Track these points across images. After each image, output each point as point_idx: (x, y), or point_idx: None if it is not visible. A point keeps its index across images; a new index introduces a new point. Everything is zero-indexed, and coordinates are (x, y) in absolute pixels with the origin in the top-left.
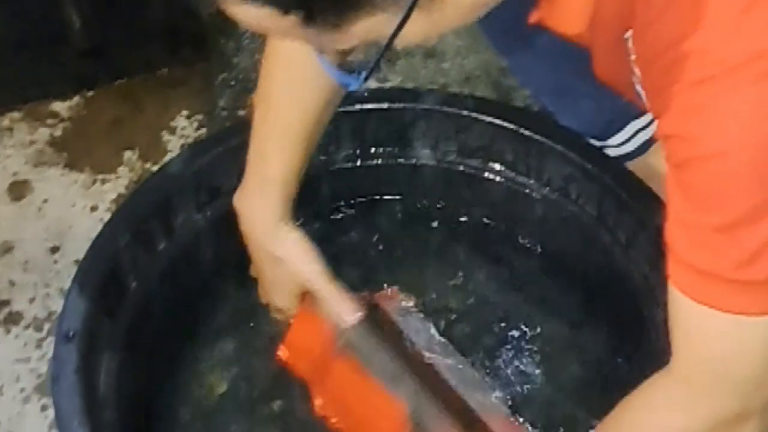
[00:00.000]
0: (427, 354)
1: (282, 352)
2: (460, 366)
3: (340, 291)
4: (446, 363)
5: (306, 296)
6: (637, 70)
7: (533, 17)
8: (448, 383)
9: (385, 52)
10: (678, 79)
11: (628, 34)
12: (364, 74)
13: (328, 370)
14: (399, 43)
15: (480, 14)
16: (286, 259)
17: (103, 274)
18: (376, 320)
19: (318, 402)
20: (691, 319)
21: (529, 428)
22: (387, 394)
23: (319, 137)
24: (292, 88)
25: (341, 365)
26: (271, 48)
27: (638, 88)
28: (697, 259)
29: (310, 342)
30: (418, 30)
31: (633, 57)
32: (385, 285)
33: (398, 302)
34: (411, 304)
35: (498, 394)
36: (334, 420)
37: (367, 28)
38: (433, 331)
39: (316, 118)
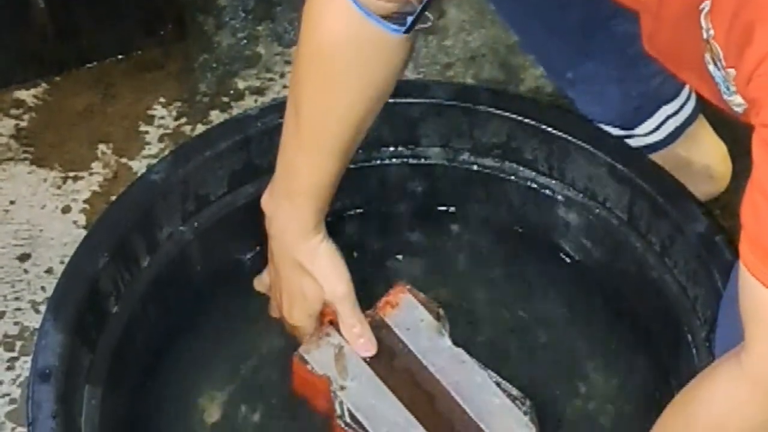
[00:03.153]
0: (438, 376)
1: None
2: (478, 380)
3: (362, 321)
4: (460, 382)
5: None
6: (718, 49)
7: None
8: (463, 412)
9: None
10: None
11: (705, 5)
12: (410, 20)
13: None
14: None
15: None
16: (314, 272)
17: (80, 301)
18: (381, 347)
19: None
20: (764, 308)
21: None
22: None
23: (357, 146)
24: (327, 96)
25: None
26: (303, 47)
27: (712, 68)
28: None
29: (312, 395)
30: None
31: (711, 33)
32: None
33: (407, 303)
34: (421, 297)
35: (528, 411)
36: None
37: None
38: (447, 340)
39: (353, 128)
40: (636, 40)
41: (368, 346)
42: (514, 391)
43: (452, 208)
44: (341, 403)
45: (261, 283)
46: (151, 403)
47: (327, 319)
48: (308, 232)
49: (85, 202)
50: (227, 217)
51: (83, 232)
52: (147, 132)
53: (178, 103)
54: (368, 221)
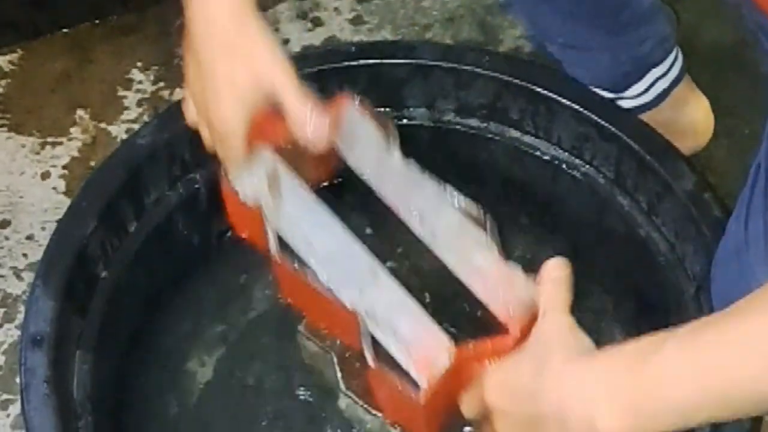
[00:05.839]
0: (388, 198)
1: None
2: (433, 200)
3: (308, 100)
4: (412, 202)
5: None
6: None
7: None
8: (416, 235)
9: None
10: None
11: None
12: None
13: (272, 264)
14: None
15: None
16: (250, 53)
17: (69, 266)
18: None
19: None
20: None
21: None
22: (332, 301)
23: None
24: None
25: (280, 267)
26: None
27: None
28: None
29: (247, 227)
30: None
31: None
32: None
33: (351, 118)
34: (368, 109)
35: (488, 229)
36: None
37: None
38: (397, 157)
39: None
40: (627, 5)
41: (320, 128)
42: (474, 211)
43: (434, 170)
44: (274, 231)
45: (189, 109)
46: (142, 367)
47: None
48: (242, 7)
49: (64, 167)
50: (214, 181)
51: (63, 198)
52: (125, 97)
53: (156, 67)
54: (354, 186)
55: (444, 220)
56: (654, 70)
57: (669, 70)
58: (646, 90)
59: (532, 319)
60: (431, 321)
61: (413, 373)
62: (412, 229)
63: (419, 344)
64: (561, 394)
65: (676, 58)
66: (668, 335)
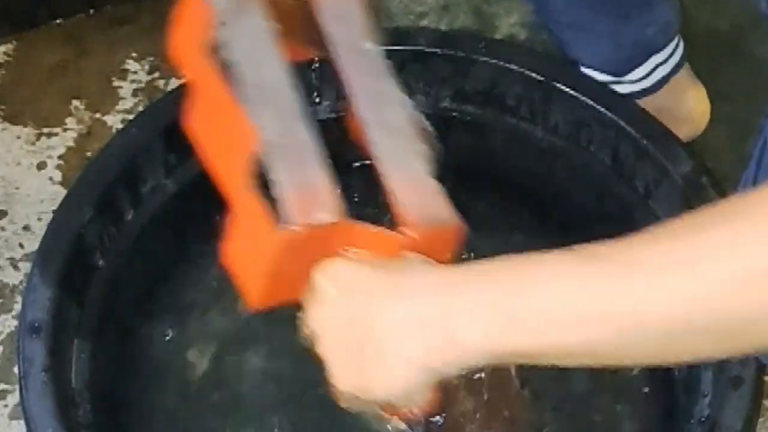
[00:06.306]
0: (346, 73)
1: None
2: (392, 101)
3: None
4: (370, 91)
5: None
6: None
7: None
8: (360, 117)
9: None
10: None
11: None
12: None
13: (201, 74)
14: None
15: None
16: None
17: (66, 256)
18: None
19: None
20: None
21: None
22: (243, 119)
23: None
24: None
25: (209, 69)
26: None
27: None
28: None
29: (192, 33)
30: None
31: None
32: None
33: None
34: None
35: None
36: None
37: None
38: (373, 47)
39: None
40: None
41: None
42: (424, 125)
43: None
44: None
45: None
46: (141, 356)
47: None
48: None
49: (60, 158)
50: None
51: (59, 189)
52: (120, 87)
53: (151, 58)
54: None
55: (391, 116)
56: (656, 55)
57: (670, 56)
58: (647, 75)
59: (437, 239)
60: (333, 183)
61: (290, 209)
62: (356, 107)
63: (310, 190)
64: (415, 304)
65: (677, 46)
66: (568, 251)
